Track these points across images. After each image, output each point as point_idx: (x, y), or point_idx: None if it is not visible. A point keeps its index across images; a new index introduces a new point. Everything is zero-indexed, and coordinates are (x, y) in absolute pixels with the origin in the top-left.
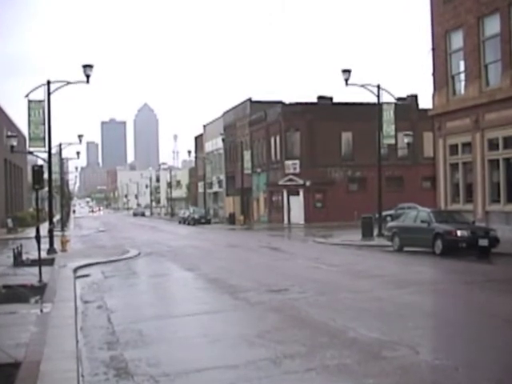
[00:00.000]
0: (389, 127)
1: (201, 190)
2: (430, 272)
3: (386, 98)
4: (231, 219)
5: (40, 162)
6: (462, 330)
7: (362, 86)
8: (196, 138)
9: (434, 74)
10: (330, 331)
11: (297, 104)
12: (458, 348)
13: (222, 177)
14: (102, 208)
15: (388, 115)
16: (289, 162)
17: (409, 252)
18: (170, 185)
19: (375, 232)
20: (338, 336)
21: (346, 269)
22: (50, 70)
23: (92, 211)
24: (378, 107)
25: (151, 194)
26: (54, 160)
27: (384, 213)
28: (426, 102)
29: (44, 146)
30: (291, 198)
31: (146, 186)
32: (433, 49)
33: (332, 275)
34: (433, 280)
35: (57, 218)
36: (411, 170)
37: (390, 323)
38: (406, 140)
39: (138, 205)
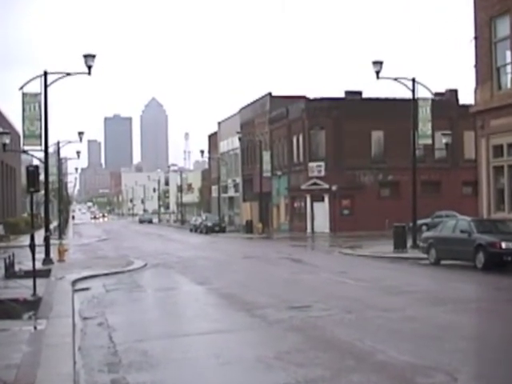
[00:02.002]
0: (425, 126)
1: (215, 194)
2: (471, 288)
3: (421, 92)
4: (248, 227)
5: (35, 162)
6: (506, 355)
7: (395, 79)
8: (209, 137)
9: (476, 66)
10: (357, 353)
11: (322, 99)
12: (502, 375)
13: (239, 180)
14: (106, 214)
15: (424, 112)
16: (313, 164)
17: (446, 266)
18: (180, 188)
19: (409, 243)
20: (365, 359)
21: (375, 284)
22: (49, 61)
23: (94, 218)
24: (412, 103)
25: (159, 198)
26: (52, 160)
27: (419, 221)
28: (467, 97)
29: (40, 145)
30: (315, 204)
31: (154, 190)
32: (475, 38)
33: (360, 291)
34: (474, 298)
35: (54, 224)
36: (450, 173)
37: (425, 345)
38: (444, 140)
39: (145, 210)
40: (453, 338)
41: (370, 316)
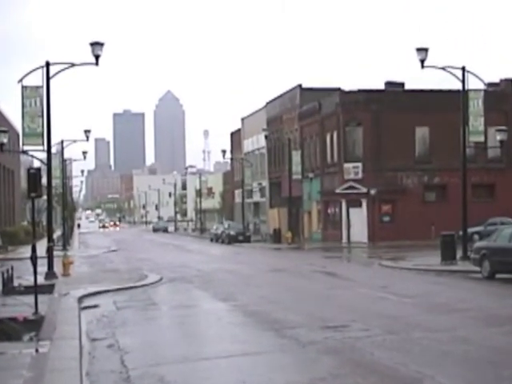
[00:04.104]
0: (476, 121)
1: (238, 199)
2: None
3: (472, 83)
4: (276, 236)
5: (37, 164)
6: None
7: (443, 68)
8: (232, 135)
9: None
10: (400, 379)
11: (359, 91)
12: None
13: (265, 183)
14: (118, 223)
15: (476, 105)
16: (349, 165)
17: (502, 280)
18: (199, 193)
19: (458, 254)
20: None
21: (421, 301)
22: (52, 53)
23: (103, 226)
24: (462, 95)
25: (176, 204)
26: (55, 161)
27: (470, 230)
28: None
29: (42, 144)
30: (351, 210)
31: (170, 195)
32: None
33: (404, 309)
34: None
35: (57, 233)
36: (505, 175)
37: (479, 371)
38: (498, 137)
39: (159, 218)
40: (511, 362)
41: (416, 337)
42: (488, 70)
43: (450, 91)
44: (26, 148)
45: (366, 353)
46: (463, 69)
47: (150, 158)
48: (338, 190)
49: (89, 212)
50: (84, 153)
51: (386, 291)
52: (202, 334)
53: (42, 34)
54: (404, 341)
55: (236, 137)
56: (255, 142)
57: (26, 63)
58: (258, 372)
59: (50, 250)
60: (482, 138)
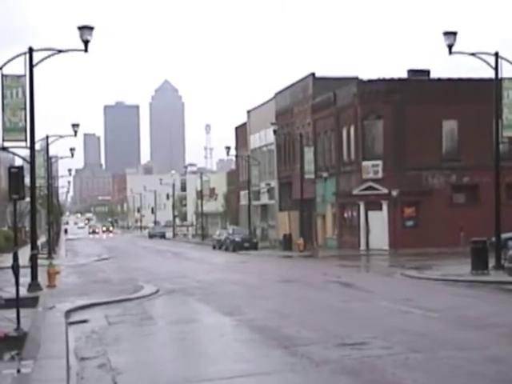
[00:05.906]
0: (511, 113)
1: (244, 201)
2: None
3: (507, 71)
4: (286, 243)
5: (19, 162)
6: None
7: (473, 54)
8: (237, 129)
9: None
10: None
11: (379, 80)
12: None
13: (274, 183)
14: (111, 228)
15: (510, 96)
16: (367, 163)
17: None
18: (200, 195)
19: (491, 263)
20: None
21: (449, 315)
22: (41, 39)
23: (93, 232)
24: (495, 84)
25: (174, 207)
26: (39, 159)
27: (504, 235)
28: None
29: (24, 140)
30: (370, 213)
31: (168, 197)
32: None
33: (429, 324)
34: None
35: (42, 240)
36: None
37: None
38: None
39: (156, 222)
40: None
41: (443, 355)
42: None
43: (481, 80)
44: (6, 144)
45: (387, 373)
46: (496, 54)
47: (145, 156)
48: (355, 192)
49: (78, 216)
50: (71, 150)
51: (410, 304)
52: (203, 352)
53: (30, 19)
54: (429, 360)
55: (241, 132)
56: (263, 138)
57: (7, 49)
58: None
59: (33, 259)
60: None
